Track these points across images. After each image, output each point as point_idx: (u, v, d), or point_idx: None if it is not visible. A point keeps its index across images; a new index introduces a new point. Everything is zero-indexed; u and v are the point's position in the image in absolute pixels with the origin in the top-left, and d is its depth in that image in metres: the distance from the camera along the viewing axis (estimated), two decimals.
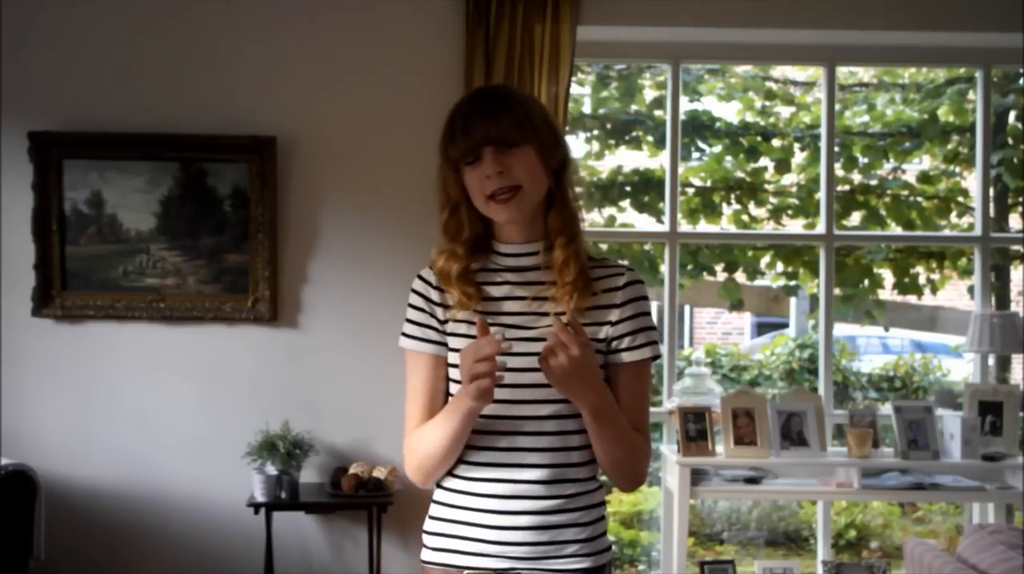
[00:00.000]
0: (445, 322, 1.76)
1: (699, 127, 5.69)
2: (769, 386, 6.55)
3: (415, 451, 1.74)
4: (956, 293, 6.57)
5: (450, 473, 1.75)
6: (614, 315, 1.73)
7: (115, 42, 3.80)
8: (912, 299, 5.96)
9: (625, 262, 1.83)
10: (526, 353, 1.67)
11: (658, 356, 1.78)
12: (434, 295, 1.78)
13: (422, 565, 1.78)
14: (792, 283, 5.71)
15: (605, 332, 1.73)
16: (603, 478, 1.80)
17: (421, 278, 1.81)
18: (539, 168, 1.69)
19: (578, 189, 1.77)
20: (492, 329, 1.62)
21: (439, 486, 1.77)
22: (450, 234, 1.77)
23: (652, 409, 4.28)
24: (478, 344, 1.59)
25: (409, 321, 1.79)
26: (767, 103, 5.87)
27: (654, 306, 7.71)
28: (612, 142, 5.60)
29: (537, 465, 1.68)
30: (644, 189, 5.53)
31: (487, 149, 1.67)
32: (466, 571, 1.71)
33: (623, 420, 1.70)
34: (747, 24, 3.93)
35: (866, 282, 5.57)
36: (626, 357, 1.73)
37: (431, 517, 1.78)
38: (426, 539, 1.78)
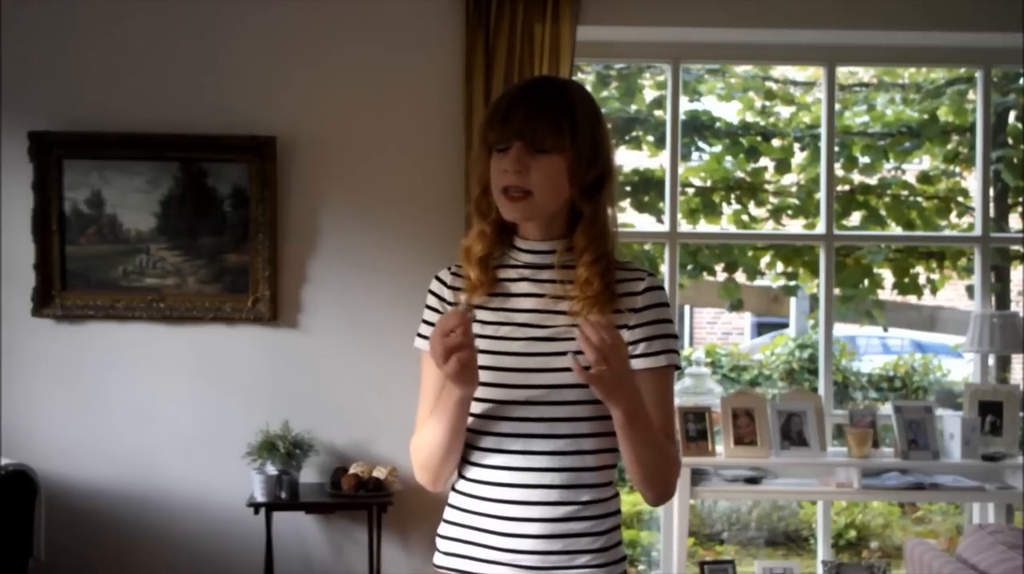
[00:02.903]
0: None
1: (699, 127, 5.69)
2: (769, 386, 6.56)
3: (418, 451, 1.71)
4: (956, 293, 6.58)
5: (462, 476, 1.71)
6: (632, 320, 1.68)
7: (115, 42, 3.80)
8: (912, 299, 5.96)
9: (646, 268, 1.76)
10: (538, 353, 1.64)
11: (678, 366, 1.71)
12: (448, 295, 1.75)
13: (435, 568, 1.74)
14: (792, 283, 5.72)
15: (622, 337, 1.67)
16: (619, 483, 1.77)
17: (438, 278, 1.78)
18: (562, 180, 1.64)
19: (620, 206, 1.73)
20: (459, 306, 1.58)
21: (453, 489, 1.74)
22: (480, 212, 1.73)
23: None
24: (442, 320, 1.55)
25: (424, 321, 1.77)
26: (767, 103, 5.87)
27: None
28: (612, 142, 5.59)
29: (550, 469, 1.63)
30: (644, 189, 5.53)
31: (516, 143, 1.63)
32: None
33: (654, 427, 1.65)
34: (747, 24, 3.93)
35: (866, 282, 5.57)
36: (640, 363, 1.66)
37: (445, 520, 1.74)
38: (439, 543, 1.75)
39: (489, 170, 1.67)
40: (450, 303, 1.74)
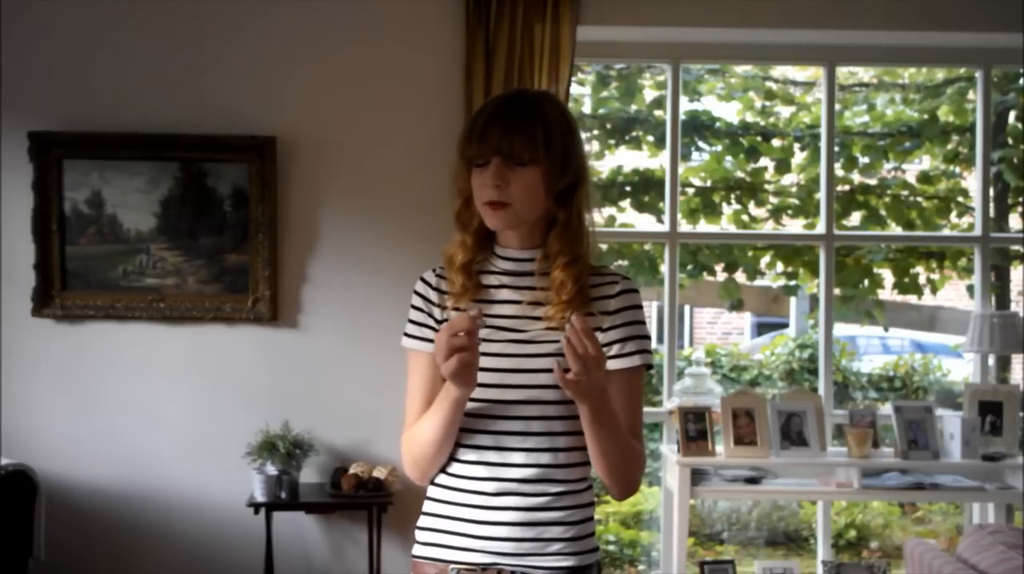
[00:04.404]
0: (443, 322, 1.80)
1: (699, 127, 5.68)
2: (769, 386, 6.55)
3: (410, 446, 1.79)
4: (956, 293, 6.57)
5: (441, 470, 1.78)
6: (605, 322, 1.76)
7: (115, 42, 3.80)
8: (912, 299, 5.95)
9: (621, 272, 1.85)
10: (517, 354, 1.72)
11: (650, 366, 1.79)
12: (433, 296, 1.82)
13: (412, 560, 1.81)
14: (792, 283, 5.71)
15: None
16: (594, 476, 1.81)
17: (423, 279, 1.85)
18: (539, 191, 1.72)
19: (595, 213, 1.80)
20: (470, 309, 1.64)
21: (432, 483, 1.81)
22: (461, 223, 1.81)
23: (652, 409, 4.30)
24: (451, 322, 1.62)
25: (410, 321, 1.83)
26: (767, 103, 5.86)
27: (654, 306, 7.73)
28: (612, 142, 5.60)
29: (523, 464, 1.72)
30: (644, 189, 5.52)
31: (495, 159, 1.71)
32: (452, 567, 1.73)
33: (620, 423, 1.73)
34: (747, 24, 3.93)
35: (866, 282, 5.57)
36: (615, 364, 1.73)
37: (423, 513, 1.82)
38: (418, 534, 1.82)
39: (466, 185, 1.76)
40: (435, 304, 1.82)
